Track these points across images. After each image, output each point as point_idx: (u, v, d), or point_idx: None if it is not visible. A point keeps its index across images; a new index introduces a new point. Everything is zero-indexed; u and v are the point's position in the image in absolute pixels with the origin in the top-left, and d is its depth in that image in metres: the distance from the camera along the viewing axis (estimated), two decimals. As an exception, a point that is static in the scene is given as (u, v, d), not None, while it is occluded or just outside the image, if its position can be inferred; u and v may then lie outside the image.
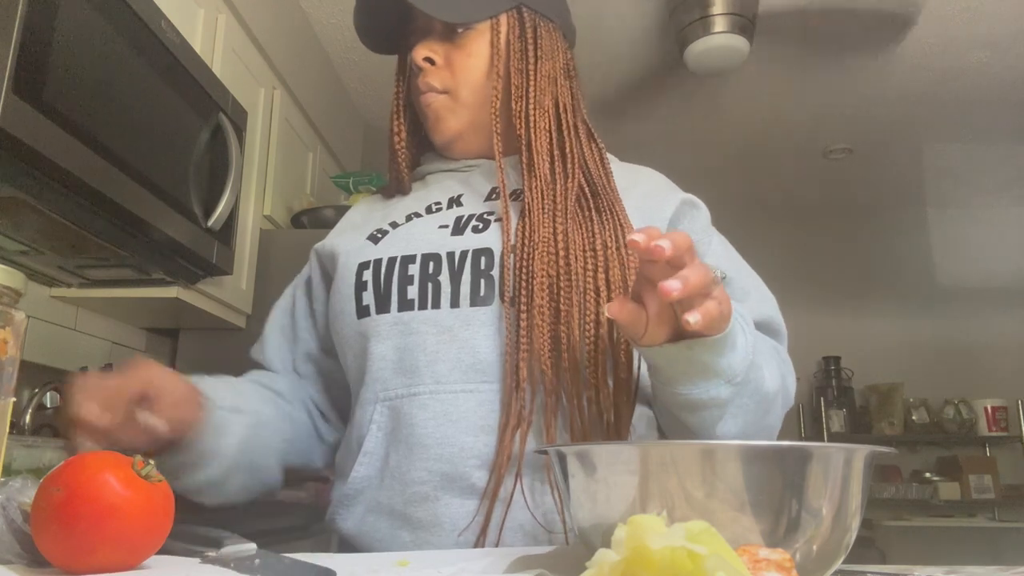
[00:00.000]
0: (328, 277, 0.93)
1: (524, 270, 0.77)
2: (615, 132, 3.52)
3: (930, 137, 3.54)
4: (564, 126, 0.87)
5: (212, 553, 0.55)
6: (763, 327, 0.82)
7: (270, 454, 0.86)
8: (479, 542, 0.74)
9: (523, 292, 0.77)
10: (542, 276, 0.76)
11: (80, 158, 1.16)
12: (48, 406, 1.59)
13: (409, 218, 0.89)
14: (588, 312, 0.76)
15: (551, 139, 0.86)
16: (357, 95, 3.13)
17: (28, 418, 1.54)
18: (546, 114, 0.86)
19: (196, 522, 0.58)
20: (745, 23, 2.43)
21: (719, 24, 2.40)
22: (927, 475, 4.18)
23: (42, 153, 1.07)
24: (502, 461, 0.73)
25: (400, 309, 0.81)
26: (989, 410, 4.13)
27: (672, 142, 3.59)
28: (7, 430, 0.55)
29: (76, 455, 0.52)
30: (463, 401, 0.77)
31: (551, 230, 0.79)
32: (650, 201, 0.86)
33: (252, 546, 0.56)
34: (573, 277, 0.77)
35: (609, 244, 0.79)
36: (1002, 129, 3.43)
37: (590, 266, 0.78)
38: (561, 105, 0.88)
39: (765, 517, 0.43)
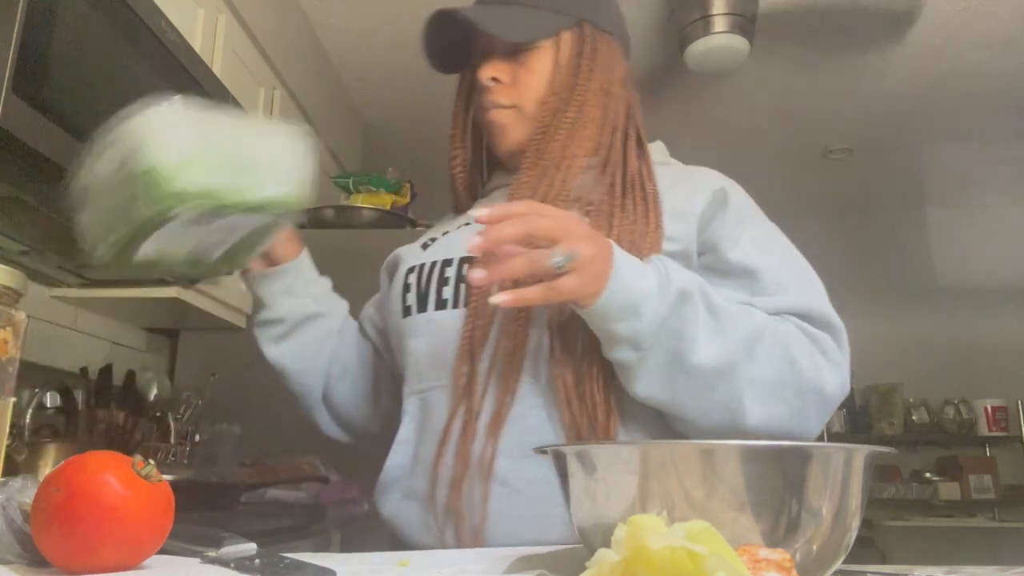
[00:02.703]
0: (388, 283, 1.01)
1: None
2: (615, 132, 3.52)
3: (930, 137, 3.54)
4: (614, 134, 0.91)
5: (212, 553, 0.55)
6: (806, 318, 0.81)
7: (319, 359, 0.99)
8: (497, 530, 0.77)
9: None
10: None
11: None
12: (48, 406, 1.59)
13: (459, 227, 0.95)
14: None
15: (598, 149, 0.89)
16: (357, 95, 3.12)
17: (28, 418, 1.54)
18: (589, 125, 0.89)
19: (196, 522, 0.58)
20: (745, 23, 2.43)
21: (719, 24, 2.40)
22: (927, 475, 4.17)
23: (42, 153, 1.07)
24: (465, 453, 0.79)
25: (436, 308, 0.87)
26: (989, 410, 4.13)
27: (672, 142, 3.57)
28: (7, 430, 0.55)
29: (76, 455, 0.52)
30: None
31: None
32: (688, 202, 0.88)
33: (252, 546, 0.56)
34: None
35: (636, 240, 0.82)
36: (1002, 129, 3.43)
37: None
38: (614, 114, 0.92)
39: (765, 517, 0.43)
